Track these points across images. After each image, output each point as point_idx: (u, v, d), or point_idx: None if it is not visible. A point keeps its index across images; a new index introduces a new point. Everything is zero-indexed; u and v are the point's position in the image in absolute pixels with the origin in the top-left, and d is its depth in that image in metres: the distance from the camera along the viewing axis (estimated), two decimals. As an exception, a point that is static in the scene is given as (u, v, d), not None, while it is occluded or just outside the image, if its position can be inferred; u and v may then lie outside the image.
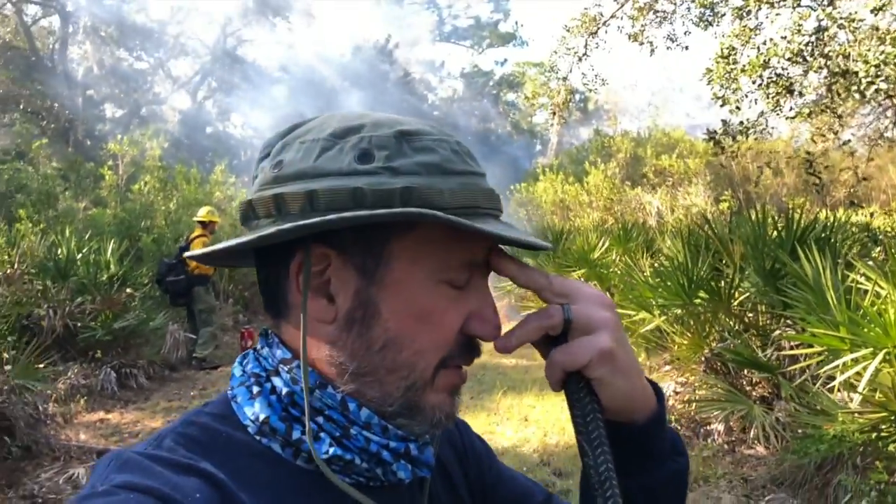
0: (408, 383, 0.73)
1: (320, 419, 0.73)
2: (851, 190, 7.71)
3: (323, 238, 0.72)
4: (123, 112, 31.22)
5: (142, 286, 9.00)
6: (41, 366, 6.20)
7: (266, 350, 0.77)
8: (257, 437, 0.73)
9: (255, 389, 0.74)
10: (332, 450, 0.72)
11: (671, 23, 9.33)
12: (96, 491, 0.62)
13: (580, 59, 9.15)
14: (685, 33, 10.16)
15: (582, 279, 9.56)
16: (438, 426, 0.75)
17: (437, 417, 0.75)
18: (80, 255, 8.42)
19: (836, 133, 7.23)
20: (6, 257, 7.58)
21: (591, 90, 9.28)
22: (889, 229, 6.76)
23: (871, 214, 8.15)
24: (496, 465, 1.02)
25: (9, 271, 7.51)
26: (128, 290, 8.42)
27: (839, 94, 6.37)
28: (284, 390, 0.73)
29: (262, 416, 0.73)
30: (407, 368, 0.72)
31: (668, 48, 9.66)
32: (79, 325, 7.71)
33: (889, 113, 8.23)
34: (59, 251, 8.38)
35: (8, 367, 5.61)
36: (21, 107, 22.94)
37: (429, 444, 0.80)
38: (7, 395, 5.49)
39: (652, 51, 9.65)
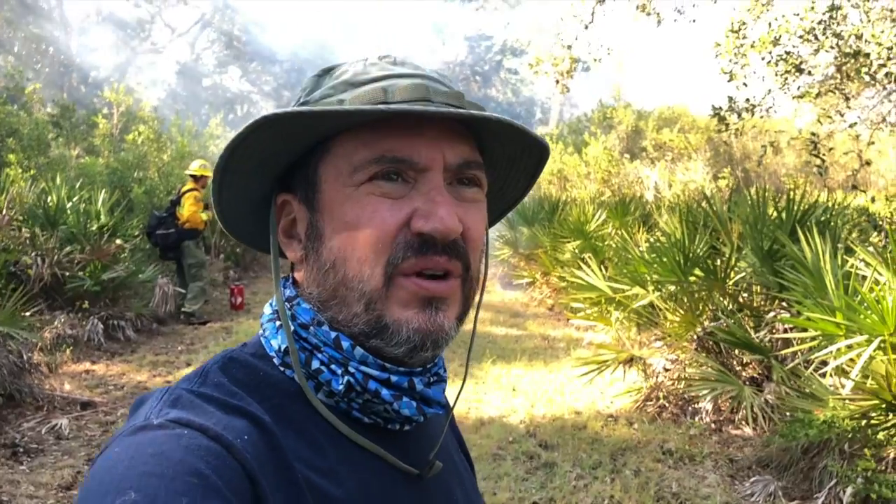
0: (364, 297, 0.72)
1: (322, 356, 0.75)
2: (854, 173, 7.62)
3: (284, 187, 0.81)
4: (120, 60, 30.76)
5: (132, 238, 8.90)
6: (27, 314, 6.13)
7: (282, 290, 0.81)
8: (281, 368, 0.76)
9: (277, 324, 0.78)
10: (345, 378, 0.74)
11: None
12: (151, 423, 0.64)
13: (586, 27, 8.98)
14: (693, 6, 10.01)
15: (576, 251, 9.51)
16: (417, 347, 0.73)
17: (408, 334, 0.72)
18: (70, 203, 8.31)
19: (842, 115, 7.10)
20: (-6, 202, 7.46)
21: (595, 59, 9.14)
22: (889, 215, 6.70)
23: (872, 199, 8.07)
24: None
25: (-4, 217, 7.40)
26: (117, 242, 8.31)
27: (848, 76, 6.25)
28: (292, 327, 0.77)
29: (283, 346, 0.76)
30: (356, 280, 0.73)
31: (675, 20, 9.49)
32: (66, 274, 7.63)
33: (894, 97, 8.12)
34: (49, 199, 8.26)
35: (-9, 315, 5.53)
36: (15, 49, 22.56)
37: (438, 381, 0.80)
38: (-10, 342, 5.42)
39: (659, 22, 9.48)
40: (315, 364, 0.75)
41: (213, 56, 35.78)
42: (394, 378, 0.75)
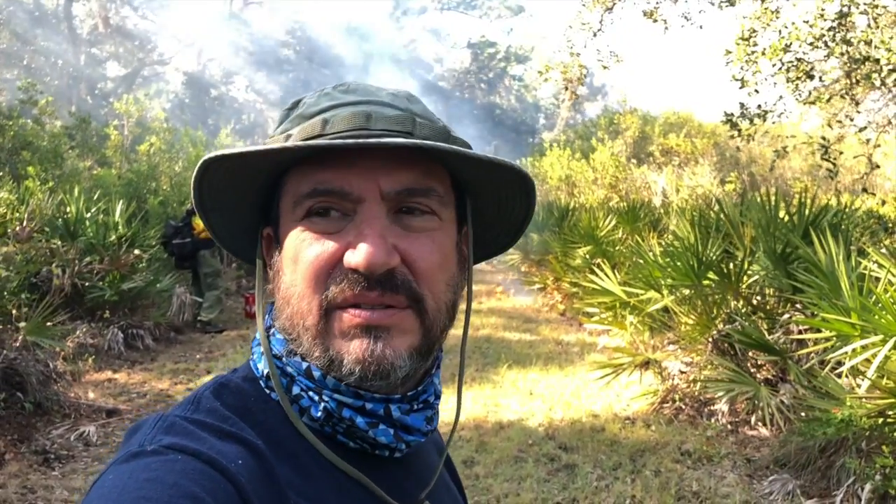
0: (308, 332, 0.73)
1: (298, 387, 0.75)
2: (864, 176, 7.71)
3: (270, 221, 0.81)
4: (126, 71, 30.95)
5: (149, 248, 9.01)
6: (49, 324, 6.23)
7: (267, 317, 0.82)
8: (267, 391, 0.77)
9: (262, 349, 0.78)
10: (322, 405, 0.74)
11: (686, 0, 9.26)
12: (145, 450, 0.64)
13: (595, 35, 9.09)
14: (699, 12, 10.13)
15: (587, 256, 9.60)
16: (361, 378, 0.71)
17: (349, 366, 0.71)
18: (88, 214, 8.42)
19: (851, 119, 7.20)
20: (16, 214, 7.58)
21: (604, 66, 9.24)
22: (898, 217, 6.79)
23: (883, 202, 8.15)
24: None
25: (17, 228, 7.51)
26: (135, 252, 8.42)
27: (857, 81, 6.34)
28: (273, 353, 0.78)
29: (266, 372, 0.77)
30: (300, 315, 0.73)
31: (682, 27, 9.60)
32: (87, 284, 7.74)
33: (899, 100, 8.20)
34: (68, 210, 8.37)
35: (22, 324, 5.64)
36: (24, 62, 22.74)
37: (424, 408, 0.79)
38: (19, 351, 5.53)
39: (665, 28, 9.59)
40: (296, 390, 0.75)
41: (220, 66, 35.99)
42: (369, 405, 0.74)
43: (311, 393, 0.74)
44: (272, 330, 0.79)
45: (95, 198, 9.11)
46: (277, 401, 0.76)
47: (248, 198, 0.80)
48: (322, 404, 0.74)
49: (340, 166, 0.72)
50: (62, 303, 7.25)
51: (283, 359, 0.76)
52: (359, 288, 0.70)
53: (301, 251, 0.73)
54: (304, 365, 0.75)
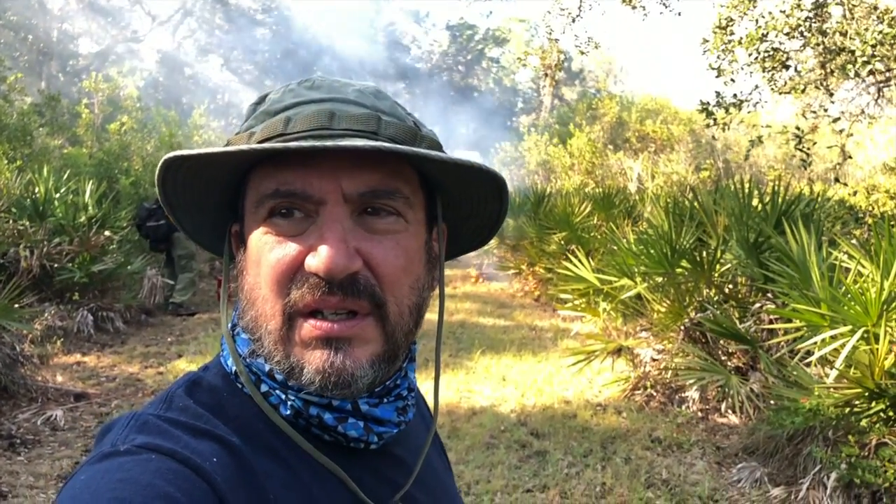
0: (271, 336, 0.72)
1: (266, 385, 0.75)
2: (836, 166, 7.79)
3: (238, 218, 0.79)
4: (100, 48, 30.42)
5: (120, 229, 8.89)
6: (17, 306, 6.12)
7: (234, 314, 0.81)
8: (239, 385, 0.76)
9: (229, 348, 0.77)
10: (289, 403, 0.73)
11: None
12: (118, 450, 0.63)
13: (573, 21, 9.07)
14: (678, -1, 10.13)
15: (562, 242, 9.62)
16: (321, 388, 0.70)
17: (309, 376, 0.70)
18: (57, 195, 8.28)
19: (825, 110, 7.26)
20: (-18, 194, 7.44)
21: (582, 52, 9.22)
22: (869, 208, 6.85)
23: (854, 192, 8.23)
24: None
25: (-16, 208, 7.38)
26: (106, 233, 8.31)
27: (832, 72, 6.39)
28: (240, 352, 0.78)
29: (234, 369, 0.76)
30: (263, 318, 0.72)
31: (660, 13, 9.61)
32: (55, 266, 7.62)
33: (871, 90, 8.27)
34: (37, 190, 8.23)
35: (-14, 307, 5.53)
36: (-6, 37, 22.26)
37: (390, 401, 0.77)
38: (-16, 334, 5.43)
39: (644, 15, 9.58)
40: (264, 388, 0.74)
41: (195, 45, 35.48)
42: (335, 402, 0.73)
43: (277, 391, 0.74)
44: (237, 329, 0.78)
45: (65, 177, 8.96)
46: (250, 395, 0.74)
47: (213, 195, 0.79)
48: (289, 402, 0.73)
49: (302, 167, 0.70)
50: (30, 284, 7.14)
51: (247, 359, 0.76)
52: (319, 293, 0.69)
53: (263, 254, 0.71)
54: (267, 367, 0.74)
